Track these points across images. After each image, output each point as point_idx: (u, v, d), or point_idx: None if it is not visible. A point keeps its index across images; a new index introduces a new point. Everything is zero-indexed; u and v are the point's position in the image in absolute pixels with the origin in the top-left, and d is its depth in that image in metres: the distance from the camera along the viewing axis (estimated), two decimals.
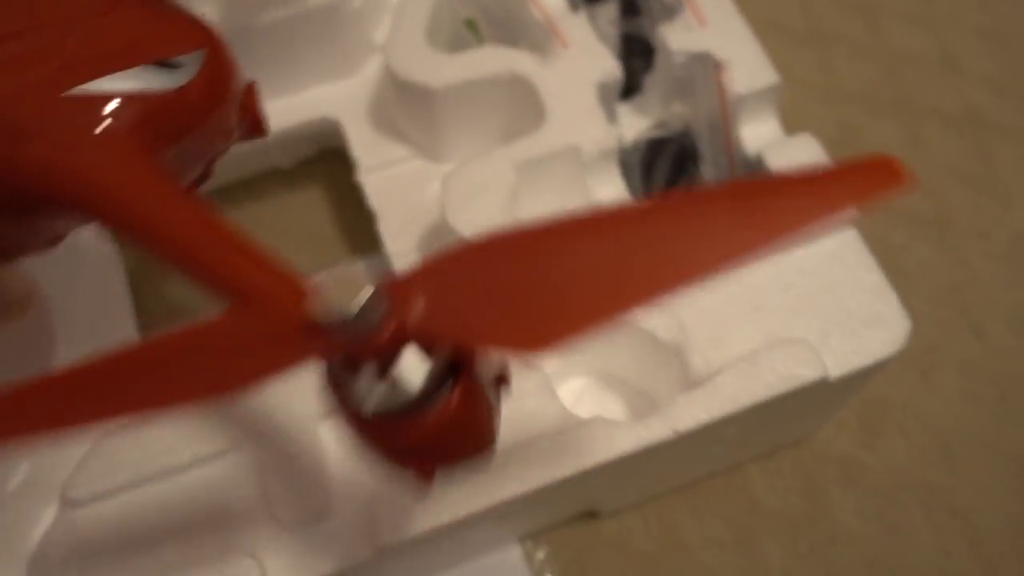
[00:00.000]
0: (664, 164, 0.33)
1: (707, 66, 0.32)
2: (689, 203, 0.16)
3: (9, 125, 0.19)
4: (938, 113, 0.44)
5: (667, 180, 0.33)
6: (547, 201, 0.33)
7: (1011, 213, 0.42)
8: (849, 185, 0.15)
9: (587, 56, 0.33)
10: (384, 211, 0.35)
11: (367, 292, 0.15)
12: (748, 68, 0.32)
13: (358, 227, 0.37)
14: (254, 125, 0.23)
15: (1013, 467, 0.37)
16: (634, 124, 0.36)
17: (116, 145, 0.19)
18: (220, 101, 0.21)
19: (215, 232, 0.19)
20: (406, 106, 0.35)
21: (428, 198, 0.35)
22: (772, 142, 0.32)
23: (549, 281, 0.15)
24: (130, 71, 0.19)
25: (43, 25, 0.20)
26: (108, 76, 0.19)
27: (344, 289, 0.15)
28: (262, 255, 0.18)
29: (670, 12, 0.34)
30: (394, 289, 0.15)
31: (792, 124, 0.44)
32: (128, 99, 0.19)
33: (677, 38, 0.33)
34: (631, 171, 0.34)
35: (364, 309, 0.15)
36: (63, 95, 0.19)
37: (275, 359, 0.16)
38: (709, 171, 0.30)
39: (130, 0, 0.21)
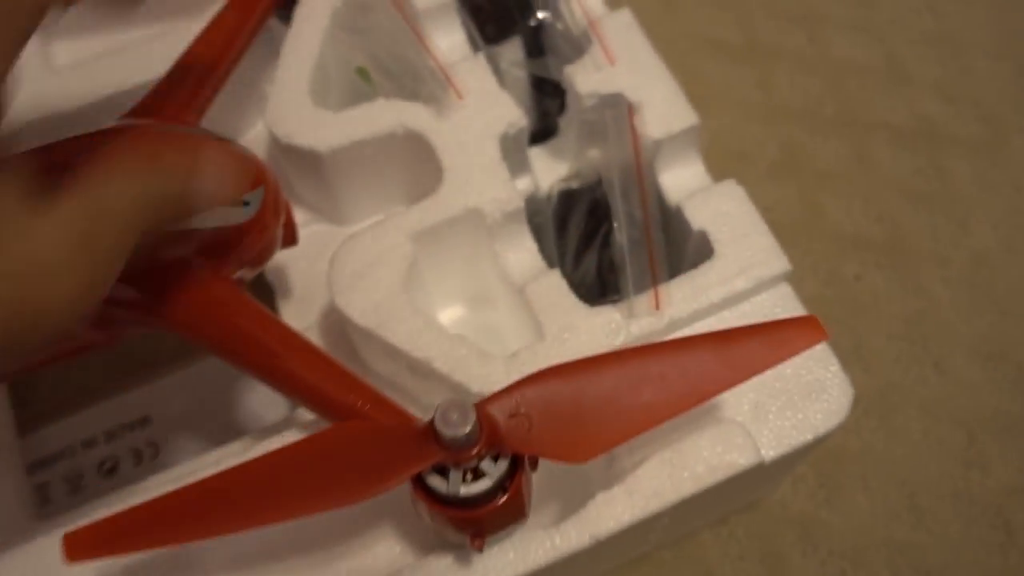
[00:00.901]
0: (578, 218, 0.30)
1: (618, 109, 0.29)
2: (683, 349, 0.21)
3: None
4: (887, 127, 0.41)
5: (581, 236, 0.30)
6: (451, 271, 0.30)
7: (970, 233, 0.39)
8: (790, 338, 0.21)
9: (487, 106, 0.30)
10: (282, 284, 0.32)
11: (472, 419, 0.20)
12: (664, 109, 0.29)
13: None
14: (290, 236, 0.28)
15: (985, 518, 0.34)
16: (552, 170, 0.33)
17: (220, 282, 0.24)
18: (274, 225, 0.26)
19: (333, 367, 0.24)
20: (295, 170, 0.32)
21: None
22: (695, 189, 0.29)
23: (585, 409, 0.21)
24: (212, 211, 0.23)
25: None
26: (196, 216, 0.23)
27: (457, 414, 0.20)
28: (366, 385, 0.24)
29: (578, 49, 0.31)
30: (483, 414, 0.20)
31: (732, 148, 0.41)
32: (210, 235, 0.24)
33: (586, 79, 0.30)
34: (545, 226, 0.31)
35: (469, 432, 0.20)
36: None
37: (404, 462, 0.21)
38: (623, 225, 0.27)
39: (211, 143, 0.25)
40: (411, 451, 0.20)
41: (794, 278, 0.38)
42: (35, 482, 0.33)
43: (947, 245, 0.39)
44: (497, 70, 0.31)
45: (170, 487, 0.27)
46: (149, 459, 0.35)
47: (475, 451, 0.20)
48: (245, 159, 0.26)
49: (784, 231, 0.39)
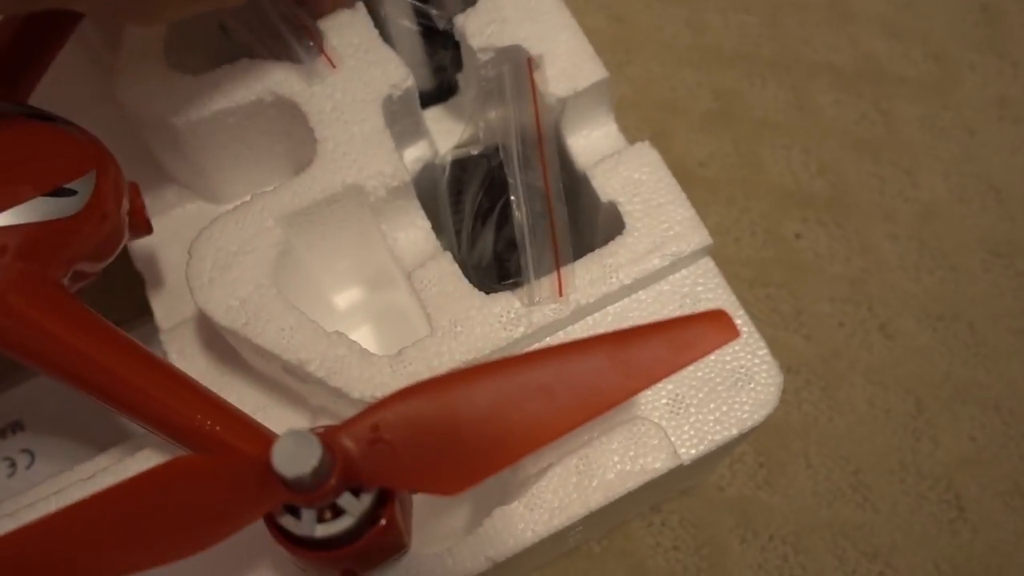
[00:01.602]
0: (475, 190, 0.26)
1: (517, 64, 0.26)
2: (572, 355, 0.18)
3: None
4: (829, 69, 0.38)
5: (478, 211, 0.26)
6: (341, 254, 0.27)
7: (918, 184, 0.36)
8: (695, 339, 0.17)
9: (367, 65, 0.26)
10: (153, 274, 0.29)
11: (317, 454, 0.16)
12: (569, 62, 0.26)
13: (124, 291, 0.30)
14: (142, 224, 0.24)
15: (935, 492, 0.31)
16: (453, 134, 0.29)
17: (39, 286, 0.21)
18: (113, 214, 0.23)
19: (175, 382, 0.21)
20: (158, 143, 0.28)
21: None
22: (606, 152, 0.25)
23: (456, 432, 0.17)
24: (28, 204, 0.21)
25: None
26: (8, 211, 0.20)
27: (297, 449, 0.16)
28: (217, 401, 0.21)
29: None
30: (334, 446, 0.17)
31: (662, 98, 0.38)
32: (27, 231, 0.20)
33: (480, 30, 0.26)
34: (440, 198, 0.27)
35: (315, 469, 0.16)
36: None
37: (245, 504, 0.18)
38: (521, 198, 0.24)
39: (21, 126, 0.22)
40: (253, 491, 0.17)
41: (730, 239, 0.35)
42: None
43: (894, 197, 0.36)
44: (381, 21, 0.27)
45: (46, 504, 0.24)
46: (24, 468, 0.32)
47: (326, 489, 0.17)
48: (68, 141, 0.22)
49: (719, 188, 0.36)
